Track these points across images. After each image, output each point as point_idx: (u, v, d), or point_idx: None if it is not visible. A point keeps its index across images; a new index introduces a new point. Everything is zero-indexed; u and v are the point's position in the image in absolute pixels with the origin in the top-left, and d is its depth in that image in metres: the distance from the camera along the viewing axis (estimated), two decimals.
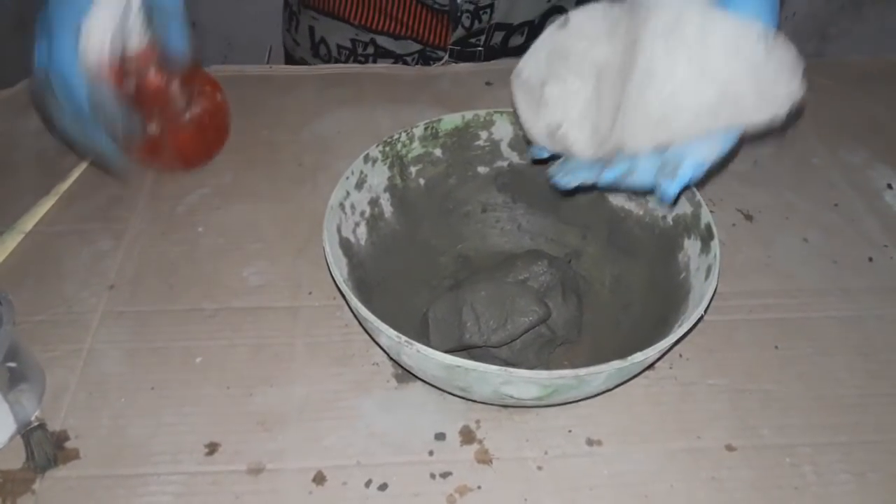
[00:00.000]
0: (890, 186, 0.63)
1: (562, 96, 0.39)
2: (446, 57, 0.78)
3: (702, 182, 0.42)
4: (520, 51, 0.78)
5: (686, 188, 0.40)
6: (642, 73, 0.37)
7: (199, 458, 0.45)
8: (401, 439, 0.46)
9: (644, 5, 0.38)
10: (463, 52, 0.78)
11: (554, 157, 0.44)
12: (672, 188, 0.39)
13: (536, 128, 0.42)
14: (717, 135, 0.38)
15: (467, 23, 0.75)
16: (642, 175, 0.40)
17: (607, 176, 0.41)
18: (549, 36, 0.43)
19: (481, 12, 0.74)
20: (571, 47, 0.40)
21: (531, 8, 0.75)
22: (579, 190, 0.42)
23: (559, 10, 0.77)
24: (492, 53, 0.79)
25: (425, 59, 0.79)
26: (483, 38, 0.77)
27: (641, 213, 0.53)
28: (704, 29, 0.36)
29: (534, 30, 0.77)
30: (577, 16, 0.41)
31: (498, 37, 0.77)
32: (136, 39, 0.50)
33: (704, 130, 0.37)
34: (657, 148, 0.38)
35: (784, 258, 0.57)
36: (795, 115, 0.40)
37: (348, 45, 0.80)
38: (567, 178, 0.43)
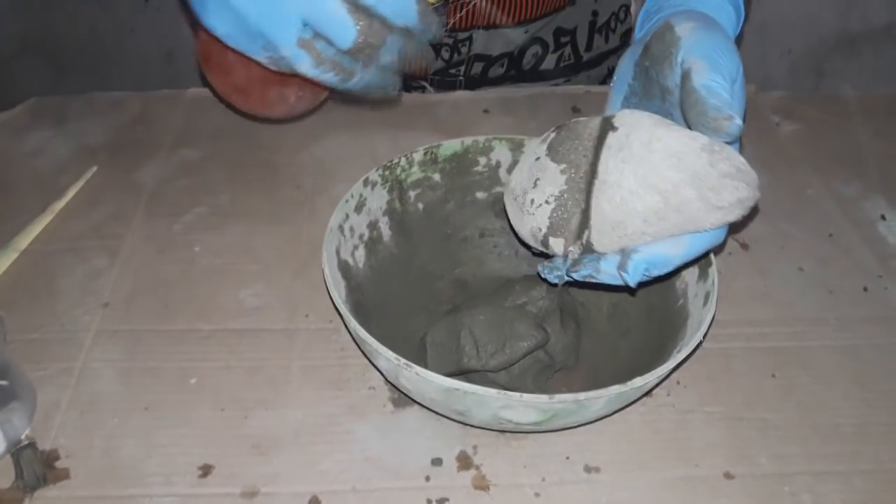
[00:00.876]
0: (883, 218, 0.64)
1: (540, 204, 0.44)
2: (427, 86, 0.79)
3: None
4: (500, 81, 0.80)
5: (654, 280, 0.44)
6: (599, 184, 0.42)
7: (192, 480, 0.44)
8: (397, 464, 0.45)
9: (609, 125, 0.43)
10: (443, 82, 0.79)
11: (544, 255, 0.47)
12: (630, 279, 0.42)
13: (522, 232, 0.46)
14: (675, 239, 0.41)
15: (446, 55, 0.75)
16: (606, 272, 0.43)
17: (577, 275, 0.44)
18: (533, 148, 0.46)
19: (460, 45, 0.75)
20: (548, 161, 0.44)
21: (510, 40, 0.76)
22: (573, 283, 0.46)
23: (537, 42, 0.78)
24: (472, 83, 0.80)
25: (406, 88, 0.80)
26: (463, 68, 0.77)
27: None
28: (650, 144, 0.40)
29: (513, 61, 0.78)
30: (557, 133, 0.45)
31: (478, 67, 0.78)
32: None
33: (656, 234, 0.41)
34: (620, 250, 0.42)
35: (780, 287, 0.58)
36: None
37: None
38: (552, 275, 0.46)
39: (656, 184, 0.40)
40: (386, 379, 0.49)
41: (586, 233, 0.42)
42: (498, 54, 0.77)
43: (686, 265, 0.44)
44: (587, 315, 0.54)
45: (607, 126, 0.42)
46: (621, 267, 0.42)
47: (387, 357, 0.40)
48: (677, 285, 0.49)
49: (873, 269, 0.59)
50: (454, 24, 0.72)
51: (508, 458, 0.46)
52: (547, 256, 0.46)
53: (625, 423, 0.48)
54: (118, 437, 0.46)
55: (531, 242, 0.46)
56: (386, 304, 0.52)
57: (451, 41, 0.74)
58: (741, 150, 0.43)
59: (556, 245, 0.44)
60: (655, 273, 0.42)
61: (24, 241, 0.59)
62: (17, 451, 0.44)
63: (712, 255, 0.47)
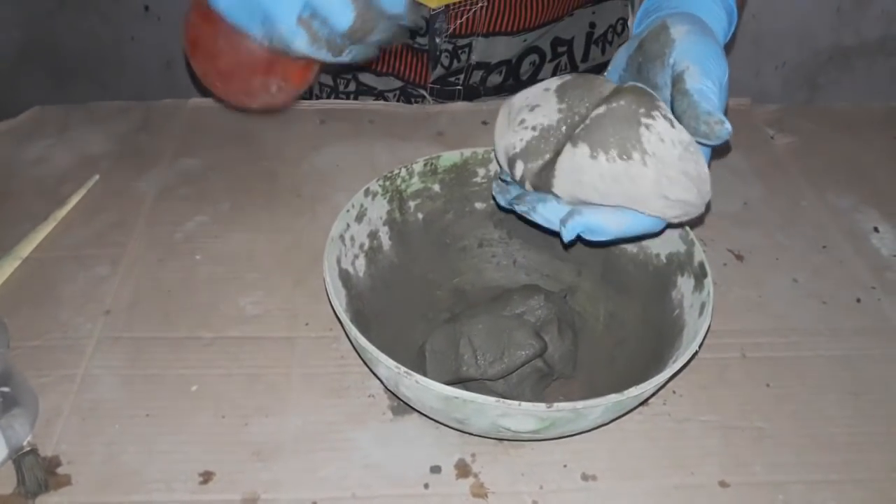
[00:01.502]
0: (876, 230, 0.65)
1: (526, 127, 0.46)
2: (427, 95, 0.80)
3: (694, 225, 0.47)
4: (498, 90, 0.81)
5: (582, 242, 0.47)
6: (582, 130, 0.44)
7: (193, 486, 0.44)
8: (396, 472, 0.46)
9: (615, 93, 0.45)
10: (443, 91, 0.80)
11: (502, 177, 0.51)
12: (565, 234, 0.45)
13: (499, 143, 0.48)
14: (618, 212, 0.44)
15: (446, 62, 0.76)
16: (542, 215, 0.46)
17: (517, 207, 0.47)
18: (549, 80, 0.48)
19: (460, 51, 0.76)
20: (553, 96, 0.47)
21: (508, 48, 0.77)
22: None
23: (535, 51, 0.79)
24: (471, 92, 0.80)
25: (406, 95, 0.81)
26: (462, 76, 0.78)
27: (635, 250, 0.54)
28: (643, 118, 0.43)
29: (511, 69, 0.79)
30: (574, 79, 0.48)
31: (477, 76, 0.79)
32: None
33: (604, 195, 0.44)
34: (569, 201, 0.45)
35: (775, 298, 0.58)
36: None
37: (330, 82, 0.82)
38: (500, 195, 0.49)
39: (628, 150, 0.42)
40: (385, 387, 0.50)
41: (551, 170, 0.45)
42: (497, 62, 0.78)
43: (615, 241, 0.48)
44: (584, 324, 0.55)
45: (618, 92, 0.45)
46: (563, 221, 0.45)
47: (387, 365, 0.41)
48: (673, 295, 0.50)
49: (866, 280, 0.60)
50: (454, 29, 0.73)
51: (506, 465, 0.46)
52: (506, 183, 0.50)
53: (621, 431, 0.48)
54: (119, 443, 0.47)
55: (500, 157, 0.49)
56: (386, 313, 0.53)
57: (451, 47, 0.75)
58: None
59: (518, 169, 0.46)
60: (589, 237, 0.45)
61: (27, 248, 0.60)
62: (19, 458, 0.44)
63: (708, 267, 0.48)
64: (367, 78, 0.80)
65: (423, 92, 0.80)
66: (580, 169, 0.43)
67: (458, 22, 0.73)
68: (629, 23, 0.84)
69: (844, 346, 0.55)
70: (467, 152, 0.56)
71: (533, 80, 0.81)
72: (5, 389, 0.46)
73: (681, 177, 0.42)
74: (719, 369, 0.53)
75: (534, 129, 0.46)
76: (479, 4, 0.71)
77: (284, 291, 0.57)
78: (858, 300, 0.58)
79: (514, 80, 0.81)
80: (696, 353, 0.43)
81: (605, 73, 0.52)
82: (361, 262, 0.53)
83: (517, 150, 0.46)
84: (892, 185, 0.70)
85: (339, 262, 0.50)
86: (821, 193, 0.69)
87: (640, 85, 0.45)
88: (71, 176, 0.67)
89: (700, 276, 0.48)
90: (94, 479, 0.45)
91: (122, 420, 0.48)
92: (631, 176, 0.43)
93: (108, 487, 0.44)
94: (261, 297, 0.57)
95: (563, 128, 0.45)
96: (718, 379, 0.52)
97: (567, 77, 0.48)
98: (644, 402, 0.49)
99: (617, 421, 0.48)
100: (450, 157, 0.56)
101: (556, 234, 0.46)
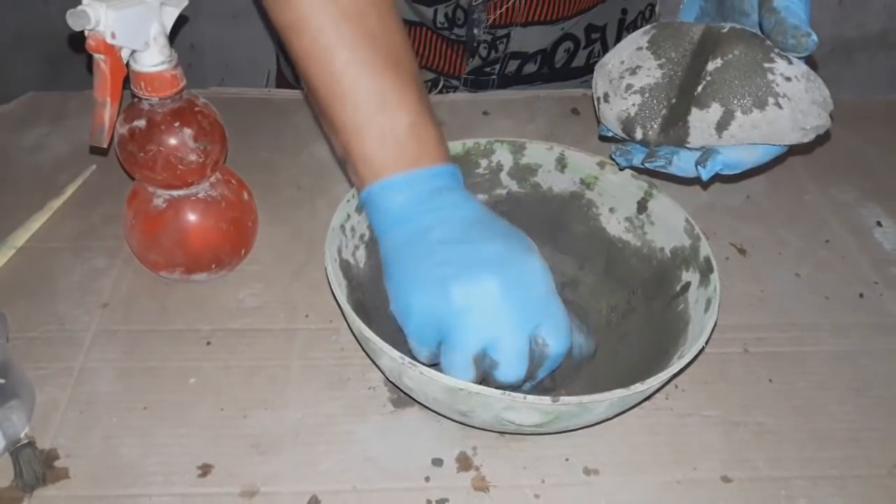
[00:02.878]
0: (879, 224, 0.65)
1: (636, 90, 0.49)
2: (460, 86, 0.79)
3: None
4: (532, 78, 0.80)
5: (717, 177, 0.50)
6: (706, 86, 0.47)
7: (191, 479, 0.44)
8: (397, 465, 0.45)
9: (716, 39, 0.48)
10: (477, 81, 0.79)
11: (616, 139, 0.53)
12: (704, 174, 0.48)
13: (609, 113, 0.51)
14: (751, 147, 0.48)
15: (484, 53, 0.76)
16: (678, 165, 0.49)
17: (651, 164, 0.49)
18: (634, 38, 0.51)
19: (498, 42, 0.75)
20: (648, 53, 0.50)
21: (544, 37, 0.77)
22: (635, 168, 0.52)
23: (569, 38, 0.78)
24: (505, 81, 0.80)
25: (438, 86, 0.80)
26: (498, 66, 0.78)
27: (639, 244, 0.54)
28: (760, 63, 0.46)
29: (546, 57, 0.79)
30: (660, 30, 0.50)
31: (513, 65, 0.78)
32: None
33: (743, 139, 0.47)
34: (701, 147, 0.48)
35: (777, 293, 0.58)
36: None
37: None
38: (622, 158, 0.51)
39: (762, 98, 0.45)
40: (386, 379, 0.49)
41: (680, 126, 0.48)
42: (533, 51, 0.78)
43: (749, 170, 0.50)
44: (587, 318, 0.54)
45: (722, 41, 0.47)
46: (700, 162, 0.48)
47: (391, 356, 0.40)
48: (678, 290, 0.50)
49: (869, 275, 0.60)
50: (494, 20, 0.73)
51: (508, 459, 0.46)
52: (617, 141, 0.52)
53: (624, 426, 0.48)
54: (117, 436, 0.46)
55: (612, 124, 0.51)
56: (386, 304, 0.52)
57: (489, 38, 0.74)
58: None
59: (638, 131, 0.49)
60: (726, 172, 0.48)
61: (21, 238, 0.59)
62: (17, 450, 0.44)
63: (714, 262, 0.47)
64: None
65: (456, 83, 0.79)
66: (717, 124, 0.46)
67: (498, 12, 0.72)
68: (656, 9, 0.84)
69: (847, 341, 0.55)
70: (469, 143, 0.56)
71: (567, 67, 0.81)
72: (2, 381, 0.45)
73: (812, 107, 0.46)
74: (721, 364, 0.52)
75: (641, 91, 0.48)
76: None
77: (284, 283, 0.57)
78: (861, 295, 0.58)
79: (548, 68, 0.80)
80: (702, 349, 0.43)
81: (681, 7, 0.53)
82: (362, 253, 0.52)
83: (631, 114, 0.49)
84: (895, 179, 0.70)
85: (339, 252, 0.49)
86: (824, 188, 0.68)
87: (738, 26, 0.47)
88: (67, 165, 0.66)
89: (706, 270, 0.48)
90: (91, 473, 0.44)
91: (120, 413, 0.47)
92: (769, 120, 0.46)
93: (106, 481, 0.44)
94: (260, 290, 0.56)
95: (668, 81, 0.48)
96: (720, 374, 0.52)
97: (652, 30, 0.50)
98: (647, 397, 0.49)
99: (619, 415, 0.47)
100: (452, 148, 0.55)
101: (692, 181, 0.50)
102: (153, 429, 0.47)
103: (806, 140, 0.48)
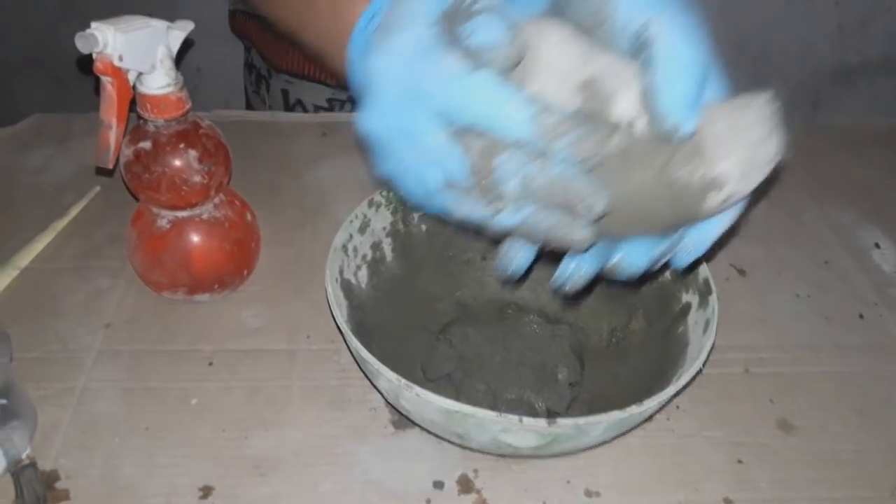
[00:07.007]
0: (878, 245, 0.65)
1: None
2: None
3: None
4: None
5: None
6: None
7: (192, 501, 0.44)
8: (398, 487, 0.45)
9: None
10: None
11: None
12: (682, 262, 0.40)
13: None
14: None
15: None
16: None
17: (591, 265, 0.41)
18: None
19: None
20: None
21: None
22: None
23: None
24: None
25: None
26: None
27: None
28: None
29: None
30: None
31: None
32: None
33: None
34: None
35: (777, 313, 0.58)
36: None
37: (325, 104, 0.82)
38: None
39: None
40: (386, 400, 0.49)
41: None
42: None
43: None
44: (587, 340, 0.54)
45: None
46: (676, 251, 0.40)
47: (388, 377, 0.40)
48: (677, 312, 0.50)
49: (869, 296, 0.60)
50: None
51: (509, 481, 0.46)
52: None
53: (625, 447, 0.48)
54: (119, 457, 0.46)
55: None
56: (387, 325, 0.53)
57: None
58: None
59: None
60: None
61: (25, 259, 0.59)
62: (18, 471, 0.44)
63: (713, 283, 0.48)
64: None
65: None
66: None
67: None
68: None
69: (848, 362, 0.55)
70: None
71: None
72: (3, 402, 0.45)
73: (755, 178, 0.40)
74: (723, 385, 0.52)
75: None
76: None
77: (286, 304, 0.57)
78: (861, 316, 0.58)
79: None
80: (700, 371, 0.43)
81: None
82: (364, 273, 0.53)
83: None
84: (893, 201, 0.70)
85: (341, 272, 0.50)
86: (822, 208, 0.69)
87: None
88: (72, 186, 0.67)
89: (705, 292, 0.48)
90: (92, 494, 0.44)
91: (122, 433, 0.47)
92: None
93: (106, 502, 0.44)
94: (261, 310, 0.57)
95: None
96: (722, 394, 0.52)
97: None
98: (648, 418, 0.49)
99: (620, 436, 0.47)
100: None
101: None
102: (154, 450, 0.47)
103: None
